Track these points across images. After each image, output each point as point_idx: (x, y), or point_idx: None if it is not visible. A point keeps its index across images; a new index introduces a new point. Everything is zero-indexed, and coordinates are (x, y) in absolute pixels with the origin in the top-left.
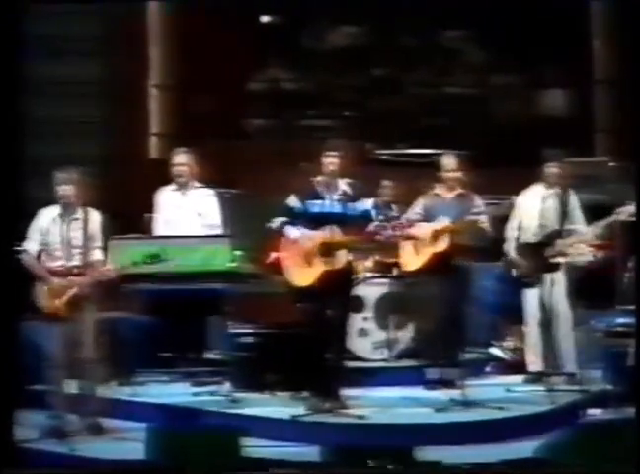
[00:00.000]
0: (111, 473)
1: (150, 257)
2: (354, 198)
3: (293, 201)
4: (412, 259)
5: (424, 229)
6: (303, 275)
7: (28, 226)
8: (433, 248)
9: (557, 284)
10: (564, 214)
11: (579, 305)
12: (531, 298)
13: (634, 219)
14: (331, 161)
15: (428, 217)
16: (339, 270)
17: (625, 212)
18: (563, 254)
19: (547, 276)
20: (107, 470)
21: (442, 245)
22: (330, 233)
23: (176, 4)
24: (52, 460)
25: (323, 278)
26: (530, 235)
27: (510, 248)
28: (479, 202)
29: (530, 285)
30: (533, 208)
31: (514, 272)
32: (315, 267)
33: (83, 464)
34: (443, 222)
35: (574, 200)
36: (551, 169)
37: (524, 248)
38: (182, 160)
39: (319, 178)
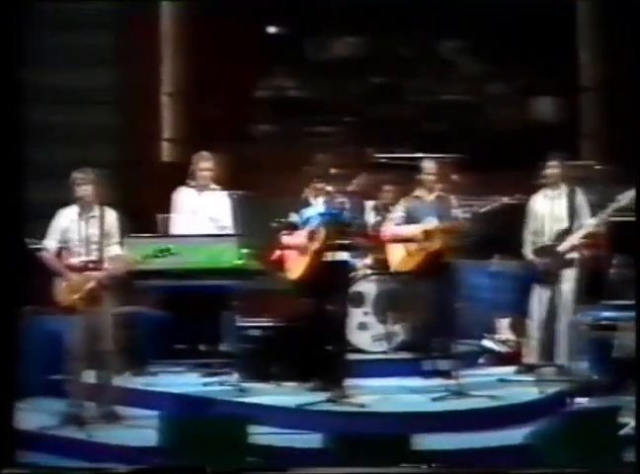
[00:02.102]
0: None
1: (160, 251)
2: (346, 202)
3: (292, 217)
4: (405, 260)
5: (413, 230)
6: (299, 265)
7: (46, 226)
8: (425, 248)
9: (565, 280)
10: (572, 212)
11: (577, 300)
12: (539, 294)
13: (636, 203)
14: (325, 165)
15: (410, 219)
16: (335, 265)
17: (626, 198)
18: (573, 250)
19: (560, 273)
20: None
21: (436, 245)
22: (315, 226)
23: (187, 16)
24: (68, 446)
25: (314, 261)
26: (544, 237)
27: (527, 251)
28: (456, 204)
29: (542, 283)
30: (543, 211)
31: (524, 271)
32: (306, 254)
33: (98, 450)
34: (432, 223)
35: (581, 198)
36: (549, 169)
37: (541, 250)
38: (208, 165)
39: (307, 190)
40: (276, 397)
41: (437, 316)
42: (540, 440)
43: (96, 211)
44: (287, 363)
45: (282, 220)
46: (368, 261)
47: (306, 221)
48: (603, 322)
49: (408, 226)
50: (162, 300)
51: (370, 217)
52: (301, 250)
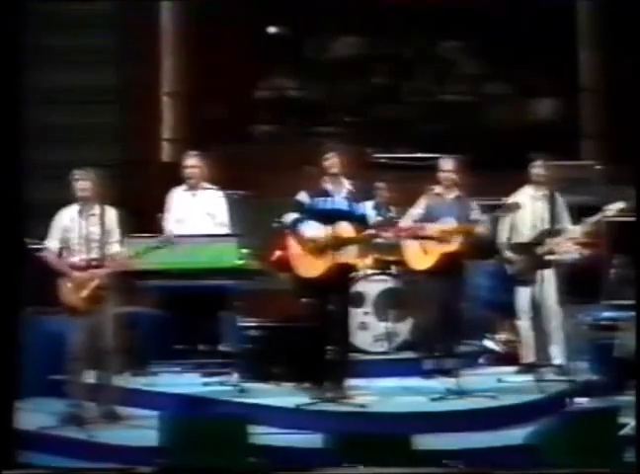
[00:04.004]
0: None
1: (152, 249)
2: (358, 198)
3: (303, 197)
4: (420, 258)
5: (432, 230)
6: (313, 268)
7: (46, 226)
8: (442, 248)
9: (547, 281)
10: (553, 215)
11: (567, 300)
12: (523, 294)
13: (621, 217)
14: (332, 162)
15: (429, 217)
16: (345, 265)
17: (612, 209)
18: (554, 252)
19: (538, 274)
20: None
21: (453, 246)
22: (341, 228)
23: (187, 16)
24: (68, 446)
25: (332, 271)
26: (523, 235)
27: (504, 247)
28: (475, 206)
29: (524, 283)
30: (524, 209)
31: (509, 270)
32: (325, 260)
33: (98, 450)
34: (450, 223)
35: (561, 201)
36: (536, 169)
37: (518, 247)
38: (193, 162)
39: (326, 177)
40: (276, 397)
41: (438, 316)
42: (540, 440)
43: (96, 209)
44: (287, 363)
45: (281, 221)
46: (369, 260)
47: (319, 211)
48: (603, 322)
49: (424, 226)
50: (162, 300)
51: (373, 216)
52: (318, 247)
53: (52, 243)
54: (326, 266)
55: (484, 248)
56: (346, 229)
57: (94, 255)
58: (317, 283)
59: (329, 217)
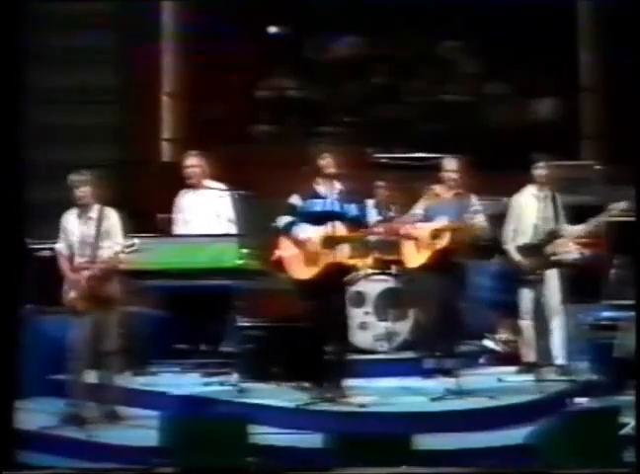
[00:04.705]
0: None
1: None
2: (351, 199)
3: (296, 200)
4: (413, 256)
5: (424, 229)
6: (307, 270)
7: (45, 226)
8: (433, 246)
9: (550, 281)
10: (556, 215)
11: (568, 300)
12: (527, 294)
13: (624, 217)
14: (327, 162)
15: (429, 216)
16: (340, 265)
17: (614, 210)
18: (556, 252)
19: (542, 274)
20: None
21: (442, 243)
22: (333, 228)
23: (187, 16)
24: (68, 446)
25: (327, 272)
26: (529, 235)
27: (510, 248)
28: (476, 202)
29: (528, 283)
30: (529, 209)
31: (515, 270)
32: (318, 261)
33: (98, 450)
34: (443, 222)
35: (560, 202)
36: (539, 170)
37: (525, 248)
38: (193, 162)
39: (318, 179)
40: (276, 397)
41: (438, 315)
42: (540, 440)
43: (94, 212)
44: (288, 363)
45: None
46: (369, 260)
47: (313, 213)
48: (603, 322)
49: (419, 225)
50: (162, 300)
51: (372, 216)
52: (312, 250)
53: (61, 246)
54: (320, 267)
55: (483, 246)
56: (338, 229)
57: (96, 256)
58: (313, 284)
59: (322, 219)
